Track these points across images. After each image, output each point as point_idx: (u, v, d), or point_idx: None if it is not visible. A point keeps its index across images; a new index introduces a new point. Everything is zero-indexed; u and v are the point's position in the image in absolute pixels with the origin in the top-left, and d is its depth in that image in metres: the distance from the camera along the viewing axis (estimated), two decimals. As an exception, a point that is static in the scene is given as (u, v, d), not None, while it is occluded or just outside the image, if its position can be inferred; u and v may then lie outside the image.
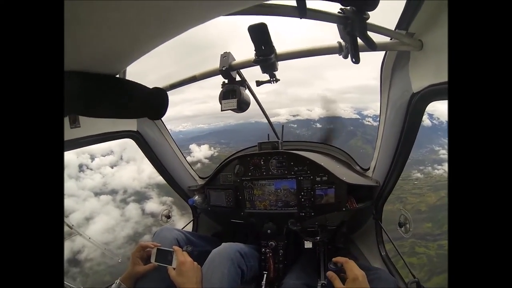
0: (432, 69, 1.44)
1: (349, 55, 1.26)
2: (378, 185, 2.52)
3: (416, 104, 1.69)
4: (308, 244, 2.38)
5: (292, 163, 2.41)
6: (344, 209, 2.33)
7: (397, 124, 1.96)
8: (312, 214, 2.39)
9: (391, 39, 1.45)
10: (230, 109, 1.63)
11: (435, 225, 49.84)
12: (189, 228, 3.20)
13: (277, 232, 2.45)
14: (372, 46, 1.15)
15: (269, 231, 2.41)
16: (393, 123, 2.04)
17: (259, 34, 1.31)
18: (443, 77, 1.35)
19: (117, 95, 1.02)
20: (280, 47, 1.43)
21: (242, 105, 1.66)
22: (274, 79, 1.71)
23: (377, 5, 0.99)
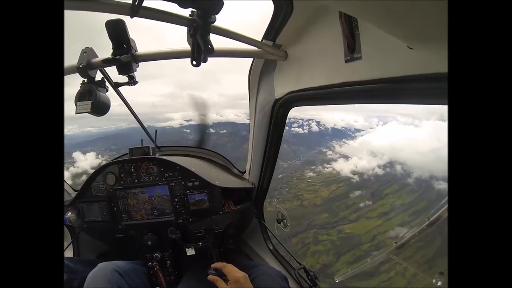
0: (293, 78, 1.61)
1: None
2: (254, 186, 2.66)
3: (279, 109, 1.90)
4: (190, 251, 2.33)
5: (162, 169, 2.37)
6: (221, 212, 2.37)
7: (264, 128, 2.14)
8: (190, 220, 2.38)
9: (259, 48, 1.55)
10: (84, 112, 1.46)
11: (331, 214, 57.56)
12: (70, 252, 2.78)
13: (160, 243, 2.38)
14: (209, 50, 1.22)
15: (149, 242, 2.33)
16: (261, 127, 2.21)
17: (116, 31, 1.26)
18: (302, 85, 1.54)
19: None
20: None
21: (98, 109, 1.48)
22: (132, 81, 1.59)
23: (221, 9, 1.06)
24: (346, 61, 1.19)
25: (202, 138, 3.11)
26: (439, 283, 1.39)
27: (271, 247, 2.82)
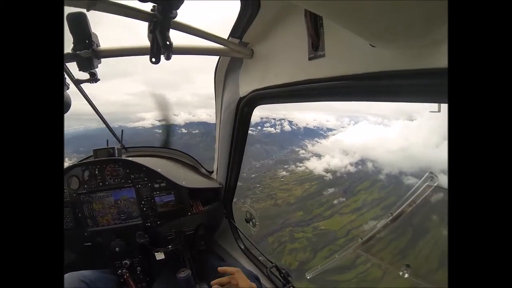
0: (258, 76, 1.62)
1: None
2: (221, 186, 2.66)
3: (244, 108, 1.89)
4: (159, 256, 2.27)
5: (128, 171, 2.29)
6: (189, 213, 2.35)
7: (229, 126, 2.14)
8: (158, 222, 2.33)
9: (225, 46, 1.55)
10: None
11: (305, 212, 58.39)
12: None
13: (128, 248, 2.28)
14: (167, 47, 1.20)
15: (117, 249, 2.23)
16: (227, 126, 2.21)
17: (76, 25, 1.19)
18: (266, 83, 1.55)
19: None
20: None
21: None
22: (93, 78, 1.51)
23: (181, 3, 1.05)
24: (309, 59, 1.19)
25: (168, 138, 3.03)
26: (406, 275, 1.43)
27: (242, 247, 2.80)
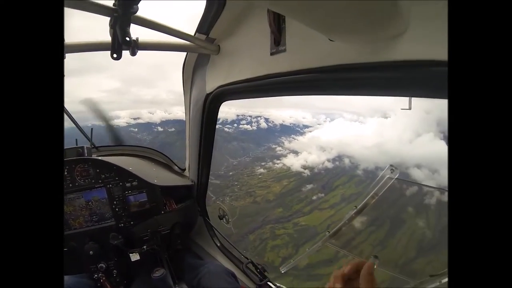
0: (224, 72, 1.63)
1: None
2: (194, 183, 2.66)
3: (210, 104, 1.90)
4: (134, 257, 2.21)
5: (98, 171, 2.23)
6: (163, 212, 2.34)
7: (198, 123, 2.15)
8: (132, 223, 2.29)
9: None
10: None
11: (285, 208, 59.17)
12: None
13: (103, 251, 2.20)
14: (126, 43, 1.18)
15: (91, 252, 2.14)
16: (195, 123, 2.21)
17: None
18: (231, 78, 1.57)
19: None
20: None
21: None
22: None
23: None
24: (271, 54, 1.20)
25: (116, 136, 2.91)
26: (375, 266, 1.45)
27: (218, 244, 2.80)
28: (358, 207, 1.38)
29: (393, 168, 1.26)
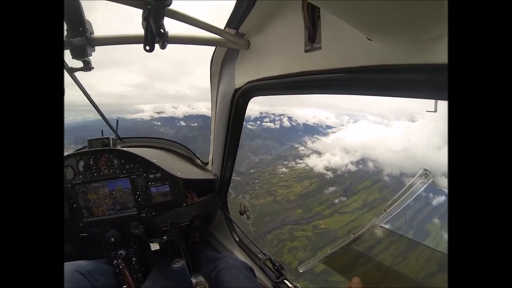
0: (253, 67, 1.62)
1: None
2: (216, 177, 2.66)
3: (239, 99, 1.89)
4: (154, 246, 2.26)
5: (123, 161, 2.28)
6: (184, 204, 2.34)
7: (225, 118, 2.14)
8: (153, 213, 2.32)
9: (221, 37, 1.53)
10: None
11: (305, 210, 57.85)
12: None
13: (124, 239, 2.29)
14: (161, 35, 1.17)
15: (112, 239, 2.23)
16: (222, 118, 2.20)
17: (70, 11, 1.15)
18: (261, 74, 1.55)
19: None
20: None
21: None
22: (87, 66, 1.47)
23: None
24: (305, 51, 1.18)
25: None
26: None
27: (237, 239, 2.82)
28: (387, 211, 1.34)
29: (427, 173, 1.21)
